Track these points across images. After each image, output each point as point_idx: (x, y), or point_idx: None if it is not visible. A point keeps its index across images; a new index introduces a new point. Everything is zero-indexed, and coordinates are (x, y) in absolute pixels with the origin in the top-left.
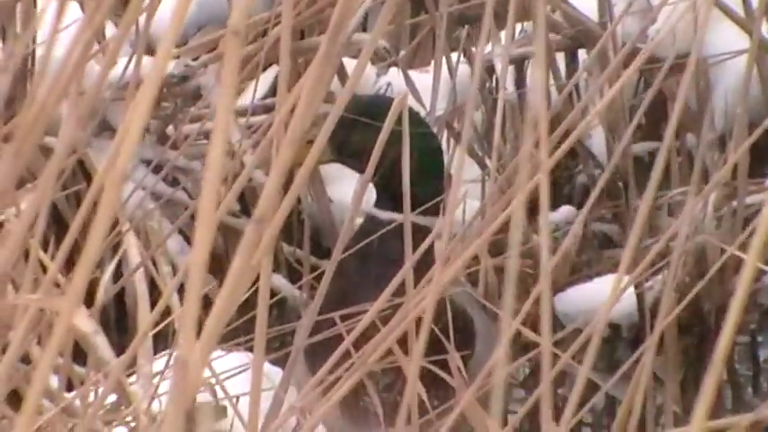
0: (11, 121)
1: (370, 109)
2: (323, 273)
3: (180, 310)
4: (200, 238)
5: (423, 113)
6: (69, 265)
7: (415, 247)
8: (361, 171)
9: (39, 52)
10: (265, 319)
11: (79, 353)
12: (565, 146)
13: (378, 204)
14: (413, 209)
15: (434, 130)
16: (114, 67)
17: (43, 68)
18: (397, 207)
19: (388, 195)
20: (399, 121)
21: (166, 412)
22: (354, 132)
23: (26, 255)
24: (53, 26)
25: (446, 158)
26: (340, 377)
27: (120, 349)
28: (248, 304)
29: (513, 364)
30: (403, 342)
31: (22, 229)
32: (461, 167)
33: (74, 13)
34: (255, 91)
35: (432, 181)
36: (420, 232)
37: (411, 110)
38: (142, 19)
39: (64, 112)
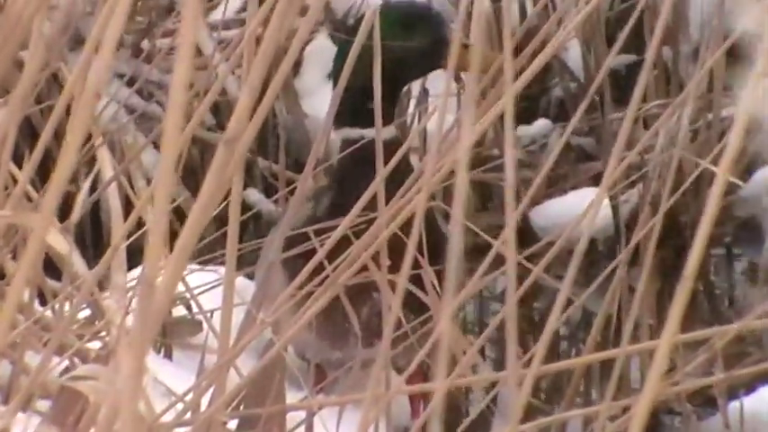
0: None
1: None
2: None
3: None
4: (167, 151)
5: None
6: (45, 180)
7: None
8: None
9: None
10: (236, 234)
11: (53, 267)
12: (537, 63)
13: (351, 122)
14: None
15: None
16: None
17: None
18: (367, 122)
19: (359, 110)
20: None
21: (133, 330)
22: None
23: None
24: None
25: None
26: (313, 292)
27: (96, 265)
28: (224, 219)
29: (485, 278)
30: (375, 255)
31: None
32: (443, 83)
33: None
34: (227, 4)
35: (396, 91)
36: (394, 144)
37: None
38: None
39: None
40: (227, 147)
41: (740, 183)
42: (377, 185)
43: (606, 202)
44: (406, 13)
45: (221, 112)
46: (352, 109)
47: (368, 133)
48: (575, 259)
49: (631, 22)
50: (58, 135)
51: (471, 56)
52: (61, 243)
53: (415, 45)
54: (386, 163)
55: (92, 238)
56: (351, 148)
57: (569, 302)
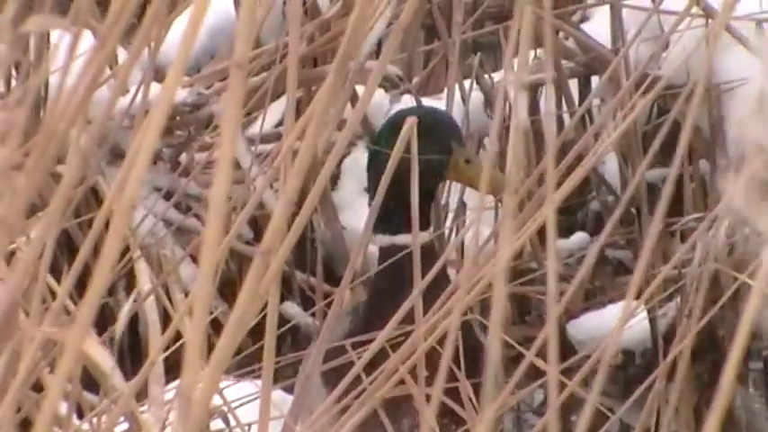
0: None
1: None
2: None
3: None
4: (205, 265)
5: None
6: (83, 293)
7: (431, 266)
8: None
9: (52, 81)
10: (273, 347)
11: (91, 380)
12: (577, 177)
13: (382, 229)
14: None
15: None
16: (126, 95)
17: (56, 97)
18: (401, 227)
19: (390, 217)
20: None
21: None
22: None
23: (37, 283)
24: (67, 55)
25: (459, 185)
26: (351, 405)
27: (134, 378)
28: (261, 331)
29: (524, 391)
30: (414, 367)
31: (30, 256)
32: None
33: (88, 43)
34: (264, 118)
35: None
36: (432, 252)
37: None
38: (152, 46)
39: (74, 139)
40: (262, 258)
41: None
42: (414, 298)
43: (644, 315)
44: (420, 122)
45: (259, 225)
46: (384, 216)
47: (399, 239)
48: (601, 371)
49: (662, 135)
50: (97, 250)
51: (474, 172)
52: (100, 354)
53: (427, 153)
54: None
55: (129, 351)
56: (388, 262)
57: (607, 417)
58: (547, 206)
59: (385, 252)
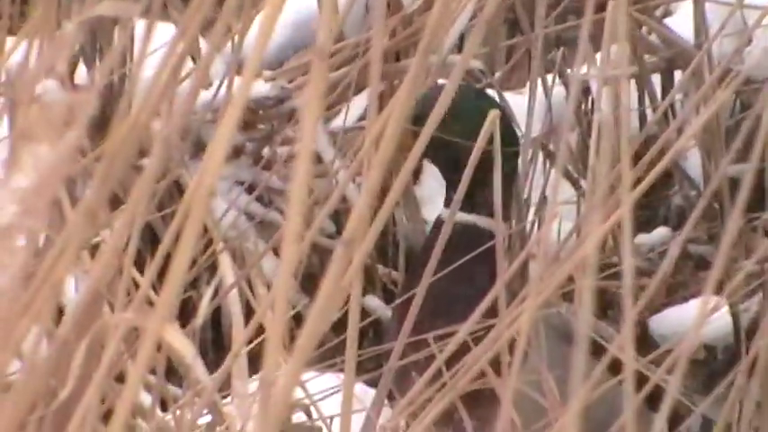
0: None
1: (456, 102)
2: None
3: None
4: (286, 259)
5: (518, 134)
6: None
7: (490, 249)
8: (441, 164)
9: (129, 72)
10: (356, 340)
11: (175, 374)
12: (656, 171)
13: (448, 204)
14: (487, 213)
15: (528, 150)
16: (209, 89)
17: (134, 88)
18: (473, 208)
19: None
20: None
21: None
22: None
23: (121, 274)
24: (143, 46)
25: (541, 180)
26: (431, 398)
27: (217, 371)
28: (344, 325)
29: (605, 384)
30: (495, 361)
31: (113, 248)
32: (557, 188)
33: (167, 32)
34: (348, 112)
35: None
36: (492, 236)
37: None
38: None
39: (156, 132)
40: (345, 249)
41: None
42: (499, 290)
43: (726, 310)
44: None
45: (341, 219)
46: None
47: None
48: (679, 365)
49: (744, 130)
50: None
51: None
52: (182, 343)
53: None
54: (464, 247)
55: (212, 344)
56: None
57: (689, 411)
58: (623, 201)
59: (438, 228)
